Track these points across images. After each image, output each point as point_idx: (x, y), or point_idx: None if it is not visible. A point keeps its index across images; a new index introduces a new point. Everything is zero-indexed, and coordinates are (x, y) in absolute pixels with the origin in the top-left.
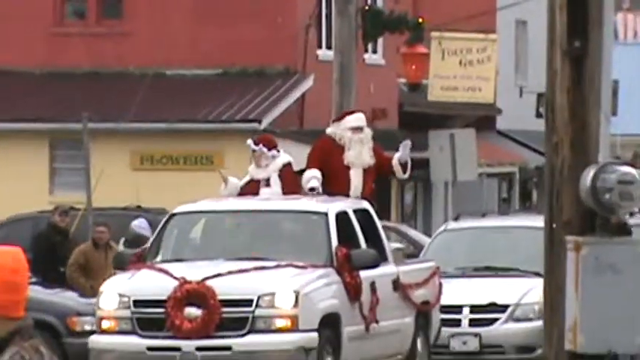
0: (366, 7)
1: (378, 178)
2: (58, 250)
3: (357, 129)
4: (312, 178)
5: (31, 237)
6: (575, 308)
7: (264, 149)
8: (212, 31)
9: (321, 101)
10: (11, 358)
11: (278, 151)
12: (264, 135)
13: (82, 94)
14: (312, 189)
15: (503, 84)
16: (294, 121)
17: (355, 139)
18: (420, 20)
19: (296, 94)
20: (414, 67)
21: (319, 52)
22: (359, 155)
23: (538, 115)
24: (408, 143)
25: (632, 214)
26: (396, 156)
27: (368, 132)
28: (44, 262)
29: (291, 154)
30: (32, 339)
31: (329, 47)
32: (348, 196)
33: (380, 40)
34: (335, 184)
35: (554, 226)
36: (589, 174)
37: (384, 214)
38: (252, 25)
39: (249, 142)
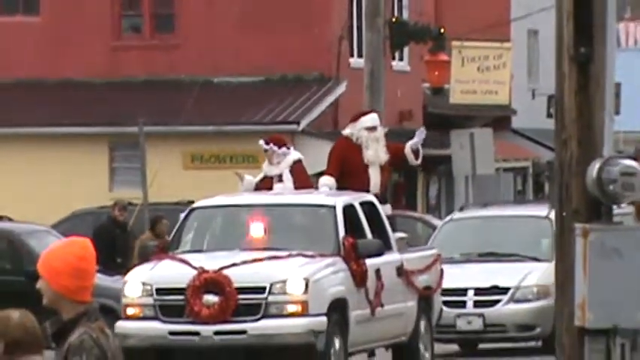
0: (393, 20)
1: (397, 170)
2: (116, 242)
3: (372, 128)
4: (324, 185)
5: (93, 230)
6: (583, 288)
7: (275, 148)
8: (255, 42)
9: (353, 105)
10: (80, 337)
11: (288, 149)
12: (274, 135)
13: (138, 101)
14: None
15: (517, 87)
16: (329, 123)
17: (372, 137)
18: (442, 31)
19: (330, 98)
20: (436, 73)
21: (351, 60)
22: (376, 153)
23: (549, 115)
24: (423, 130)
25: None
26: (409, 143)
27: (381, 130)
28: (104, 253)
29: (324, 152)
30: (98, 321)
31: (360, 56)
32: (368, 192)
33: (406, 49)
34: (355, 181)
35: (564, 214)
36: (595, 167)
37: (411, 206)
38: (291, 36)
39: (261, 142)
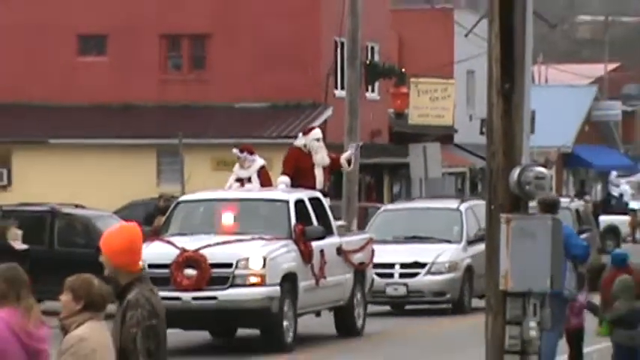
0: (367, 62)
1: (336, 173)
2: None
3: (319, 139)
4: (282, 182)
5: (144, 217)
6: (506, 262)
7: (247, 155)
8: (265, 78)
9: (337, 124)
10: (135, 296)
11: (254, 156)
12: (246, 145)
13: (179, 120)
14: None
15: (459, 112)
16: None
17: (319, 146)
18: (403, 70)
19: (321, 119)
20: (399, 101)
21: (336, 91)
22: (322, 158)
23: (481, 132)
24: (355, 145)
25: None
26: (343, 155)
27: (321, 142)
28: (151, 233)
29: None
30: (148, 284)
31: (342, 88)
32: (314, 188)
33: (377, 84)
34: (305, 180)
35: (492, 207)
36: (515, 172)
37: (379, 200)
38: (292, 73)
39: (235, 150)
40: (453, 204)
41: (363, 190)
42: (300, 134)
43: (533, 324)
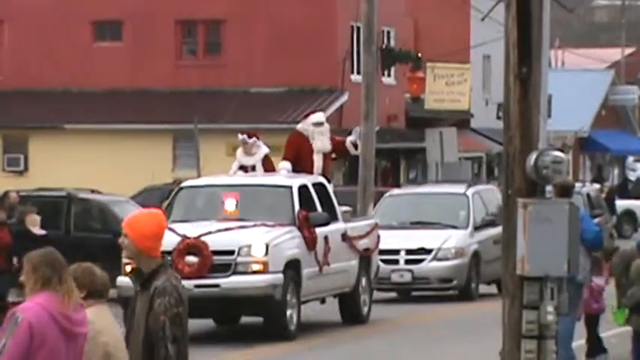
0: (383, 47)
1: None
2: None
3: (318, 124)
4: (283, 168)
5: (159, 202)
6: (523, 247)
7: (255, 140)
8: (280, 63)
9: (353, 109)
10: (163, 283)
11: (260, 142)
12: (252, 131)
13: (194, 105)
14: None
15: (475, 97)
16: (336, 122)
17: (317, 131)
18: (419, 55)
19: (337, 104)
20: (415, 86)
21: (352, 76)
22: (322, 144)
23: (498, 117)
24: (357, 129)
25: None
26: (349, 139)
27: (327, 126)
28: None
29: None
30: (172, 272)
31: (359, 73)
32: (312, 173)
33: (392, 69)
34: (304, 166)
35: (509, 192)
36: (532, 157)
37: (396, 184)
38: (308, 58)
39: (244, 136)
40: (459, 189)
41: (380, 174)
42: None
43: (550, 308)
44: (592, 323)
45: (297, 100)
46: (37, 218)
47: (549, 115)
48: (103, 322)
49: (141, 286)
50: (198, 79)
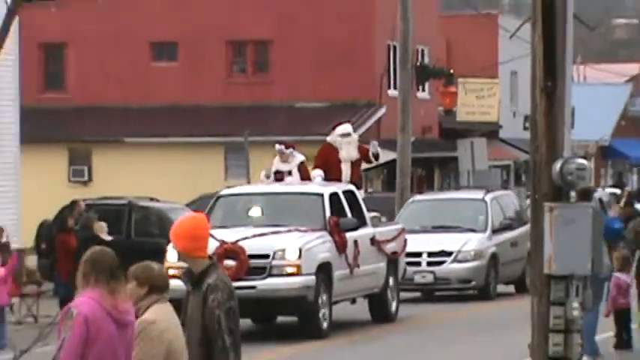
0: (418, 64)
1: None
2: None
3: (345, 135)
4: (317, 175)
5: None
6: (550, 247)
7: (292, 150)
8: (323, 79)
9: (390, 122)
10: (215, 280)
11: (295, 152)
12: (287, 142)
13: (244, 119)
14: None
15: (503, 109)
16: (374, 134)
17: (344, 141)
18: (452, 71)
19: (375, 117)
20: (448, 100)
21: (389, 91)
22: (348, 153)
23: (525, 128)
24: (375, 143)
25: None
26: (370, 151)
27: (354, 136)
28: None
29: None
30: (222, 270)
31: (395, 88)
32: (340, 181)
33: (427, 84)
34: (332, 174)
35: (536, 197)
36: (558, 164)
37: (430, 190)
38: (348, 75)
39: (282, 147)
40: (478, 195)
41: (415, 182)
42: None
43: (575, 304)
44: (621, 318)
45: (338, 113)
46: (104, 225)
47: (572, 126)
48: (166, 321)
49: (193, 286)
50: (248, 95)
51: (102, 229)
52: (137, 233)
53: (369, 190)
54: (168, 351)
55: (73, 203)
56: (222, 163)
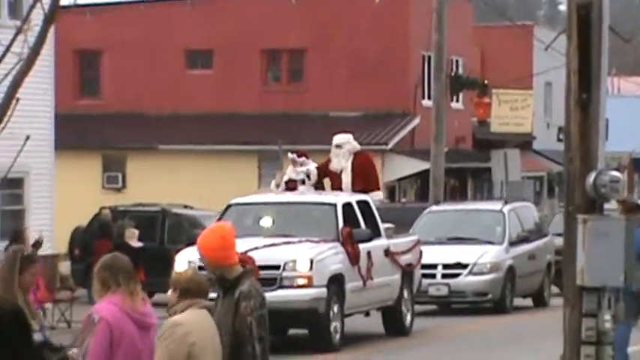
0: (452, 74)
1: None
2: None
3: (337, 146)
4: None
5: None
6: (582, 259)
7: (305, 159)
8: (358, 89)
9: (424, 132)
10: (248, 288)
11: (308, 160)
12: (300, 151)
13: (278, 128)
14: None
15: (537, 121)
16: (408, 144)
17: (335, 153)
18: (486, 82)
19: (409, 127)
20: (482, 110)
21: (423, 101)
22: (339, 163)
23: (559, 139)
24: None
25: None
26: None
27: (349, 147)
28: None
29: (405, 165)
30: (254, 279)
31: (429, 98)
32: (341, 189)
33: (461, 94)
34: (335, 184)
35: (570, 209)
36: (592, 176)
37: (463, 201)
38: (383, 85)
39: (294, 155)
40: (496, 206)
41: (448, 192)
42: None
43: (607, 317)
44: None
45: (372, 123)
46: (135, 232)
47: (606, 138)
48: (193, 324)
49: (224, 292)
50: (282, 104)
51: (133, 235)
52: (170, 240)
53: (402, 200)
54: (190, 353)
55: (100, 211)
56: (255, 171)
